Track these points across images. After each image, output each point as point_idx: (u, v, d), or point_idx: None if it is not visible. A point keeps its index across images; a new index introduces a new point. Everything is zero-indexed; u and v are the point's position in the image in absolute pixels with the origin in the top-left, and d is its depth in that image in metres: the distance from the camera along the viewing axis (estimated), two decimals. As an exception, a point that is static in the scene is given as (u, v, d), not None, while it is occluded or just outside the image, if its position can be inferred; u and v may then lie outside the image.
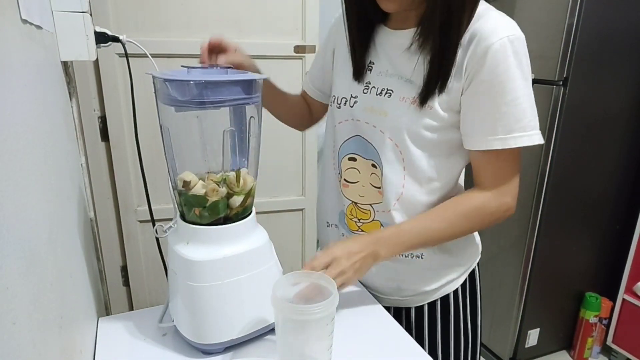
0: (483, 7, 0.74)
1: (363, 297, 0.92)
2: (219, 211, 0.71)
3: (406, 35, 0.78)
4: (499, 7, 0.76)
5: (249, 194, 0.74)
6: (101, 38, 0.90)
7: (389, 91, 0.81)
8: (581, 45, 1.64)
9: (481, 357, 2.13)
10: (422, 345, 0.91)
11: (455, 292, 0.91)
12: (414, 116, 0.78)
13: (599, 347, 2.10)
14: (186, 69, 0.72)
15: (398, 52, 0.80)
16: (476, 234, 0.94)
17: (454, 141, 0.80)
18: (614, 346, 2.04)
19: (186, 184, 0.71)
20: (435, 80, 0.75)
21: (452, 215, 0.79)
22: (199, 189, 0.70)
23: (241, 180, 0.73)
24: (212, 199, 0.70)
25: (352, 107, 0.86)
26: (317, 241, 1.47)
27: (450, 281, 0.90)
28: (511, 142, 0.73)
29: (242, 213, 0.74)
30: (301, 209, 1.84)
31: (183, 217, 0.73)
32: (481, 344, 1.00)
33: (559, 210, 1.84)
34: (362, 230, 0.90)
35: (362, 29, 0.84)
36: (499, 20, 0.73)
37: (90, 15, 0.87)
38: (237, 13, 1.54)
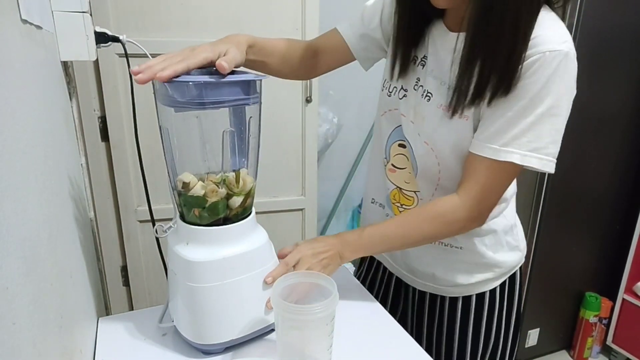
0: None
1: (363, 297, 0.92)
2: (218, 212, 0.71)
3: (459, 39, 0.72)
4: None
5: (249, 195, 0.74)
6: (101, 38, 0.90)
7: (429, 94, 0.79)
8: (581, 45, 1.64)
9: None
10: (452, 338, 0.92)
11: (492, 291, 0.90)
12: (448, 125, 0.76)
13: (599, 347, 2.10)
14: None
15: (449, 55, 0.75)
16: (522, 239, 0.93)
17: None
18: (613, 346, 2.04)
19: (185, 185, 0.70)
20: (481, 92, 0.70)
21: (414, 219, 0.79)
22: (198, 189, 0.70)
23: (241, 181, 0.73)
24: (212, 199, 0.70)
25: (400, 99, 0.84)
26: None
27: (487, 280, 0.89)
28: (502, 155, 0.70)
29: (242, 213, 0.74)
30: (301, 209, 1.83)
31: (183, 218, 0.73)
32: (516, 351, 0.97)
33: (559, 210, 1.84)
34: None
35: (412, 23, 0.79)
36: (554, 27, 0.68)
37: (90, 15, 0.87)
38: (237, 13, 1.53)
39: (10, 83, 0.47)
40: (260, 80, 0.70)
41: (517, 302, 0.93)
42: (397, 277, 1.00)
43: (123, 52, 0.90)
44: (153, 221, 0.84)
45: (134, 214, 1.62)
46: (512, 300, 0.92)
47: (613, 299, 2.02)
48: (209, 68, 0.69)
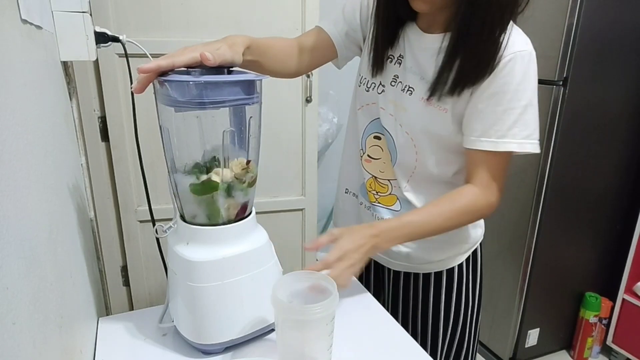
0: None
1: (363, 297, 0.92)
2: (211, 188, 0.70)
3: (436, 40, 0.81)
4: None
5: (251, 184, 0.74)
6: (101, 38, 0.90)
7: (410, 89, 0.86)
8: (581, 45, 1.64)
9: (481, 357, 2.13)
10: (427, 310, 1.01)
11: (460, 266, 0.99)
12: (430, 116, 0.83)
13: (599, 347, 2.10)
14: (185, 69, 0.72)
15: (426, 54, 0.84)
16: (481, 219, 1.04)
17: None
18: (613, 346, 2.04)
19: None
20: (463, 83, 0.79)
21: (448, 211, 0.84)
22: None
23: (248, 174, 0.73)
24: (213, 178, 0.70)
25: (379, 94, 0.91)
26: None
27: (456, 255, 0.98)
28: (501, 146, 0.79)
29: (242, 213, 0.74)
30: (301, 209, 1.83)
31: (183, 218, 0.73)
32: (479, 341, 1.05)
33: (559, 210, 1.84)
34: (380, 202, 0.97)
35: (389, 25, 0.87)
36: (519, 33, 0.79)
37: (90, 15, 0.87)
38: (237, 13, 1.53)
39: (10, 83, 0.47)
40: (261, 80, 0.71)
41: (480, 273, 1.04)
42: (374, 260, 1.07)
43: (123, 52, 0.90)
44: (153, 221, 0.84)
45: (134, 214, 1.62)
46: (476, 272, 1.02)
47: (613, 299, 2.02)
48: (215, 68, 0.69)
